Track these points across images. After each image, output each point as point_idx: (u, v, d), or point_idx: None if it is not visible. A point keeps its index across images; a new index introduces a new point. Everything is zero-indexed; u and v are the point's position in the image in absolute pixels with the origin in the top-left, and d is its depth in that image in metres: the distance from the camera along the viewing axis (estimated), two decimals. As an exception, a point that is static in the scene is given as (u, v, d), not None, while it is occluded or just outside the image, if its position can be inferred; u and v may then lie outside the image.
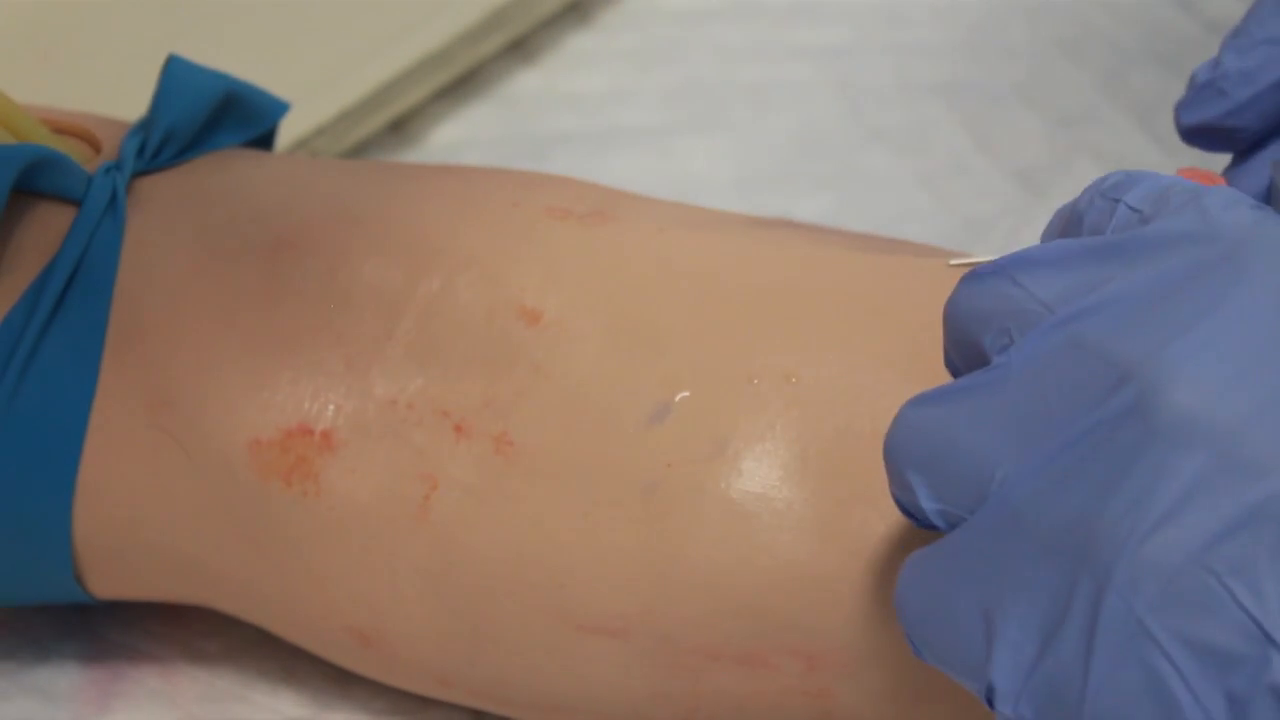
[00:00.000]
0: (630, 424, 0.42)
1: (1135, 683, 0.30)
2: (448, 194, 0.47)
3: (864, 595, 0.40)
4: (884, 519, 0.40)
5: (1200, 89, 0.43)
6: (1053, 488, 0.31)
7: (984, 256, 0.44)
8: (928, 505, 0.34)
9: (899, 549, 0.40)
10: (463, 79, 0.71)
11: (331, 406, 0.44)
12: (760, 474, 0.41)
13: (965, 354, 0.35)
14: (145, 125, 0.48)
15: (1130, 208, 0.35)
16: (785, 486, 0.41)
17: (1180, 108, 0.43)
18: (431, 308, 0.44)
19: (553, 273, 0.44)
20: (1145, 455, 0.30)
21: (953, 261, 0.44)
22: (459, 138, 0.69)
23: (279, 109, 0.52)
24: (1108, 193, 0.35)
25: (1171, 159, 0.66)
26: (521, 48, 0.73)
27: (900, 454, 0.34)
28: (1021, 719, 0.31)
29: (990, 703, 0.32)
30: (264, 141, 0.52)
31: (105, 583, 0.47)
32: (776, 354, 0.42)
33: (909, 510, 0.35)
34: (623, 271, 0.44)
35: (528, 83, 0.72)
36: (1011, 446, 0.32)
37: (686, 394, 0.42)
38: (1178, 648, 0.29)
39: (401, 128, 0.69)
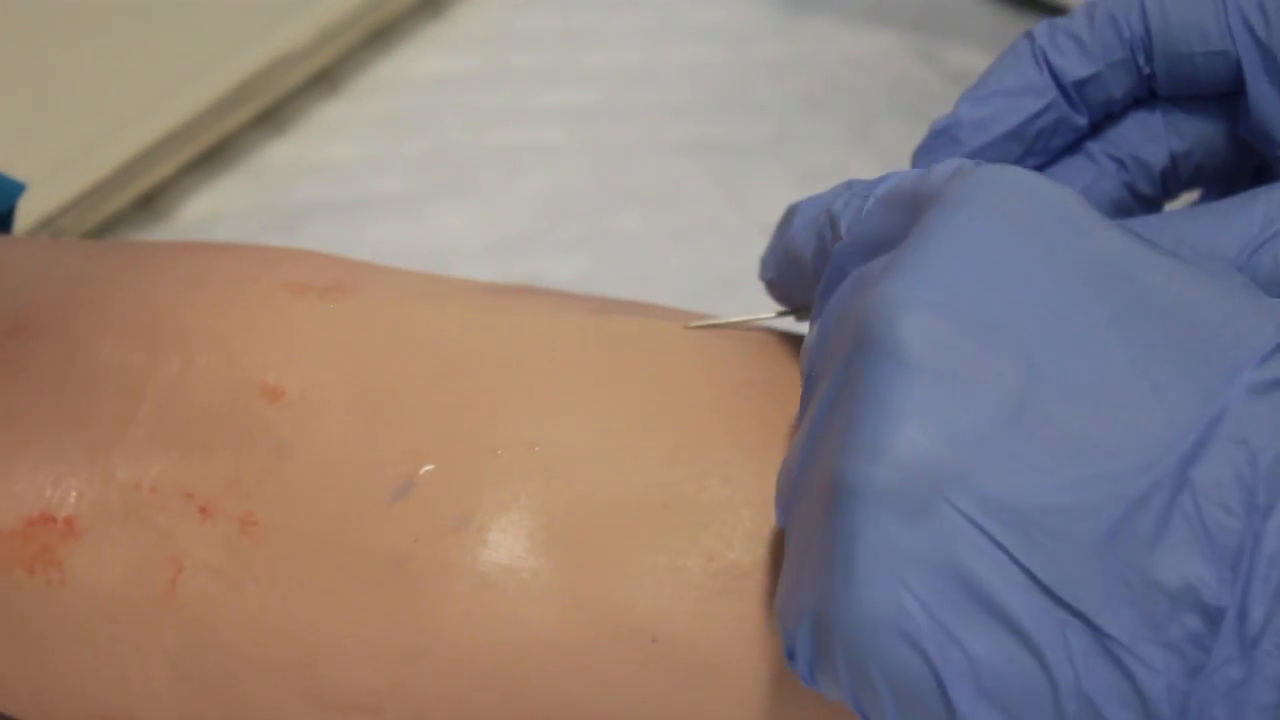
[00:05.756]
0: (376, 499, 0.42)
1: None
2: (187, 272, 0.46)
3: (613, 661, 0.40)
4: (631, 583, 0.41)
5: (936, 136, 0.44)
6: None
7: (724, 319, 0.45)
8: None
9: (648, 611, 0.40)
10: (212, 151, 0.70)
11: (74, 493, 0.43)
12: (506, 545, 0.41)
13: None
14: (-128, 212, 0.47)
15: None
16: (532, 556, 0.41)
17: (916, 154, 0.44)
18: (173, 388, 0.44)
19: (293, 350, 0.44)
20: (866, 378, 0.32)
21: (692, 324, 0.45)
22: (210, 211, 0.68)
23: (14, 190, 0.51)
24: (859, 190, 0.37)
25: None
26: (271, 118, 0.73)
27: None
28: None
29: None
30: (2, 223, 0.51)
31: None
32: (519, 423, 0.42)
33: None
34: (364, 346, 0.44)
35: (278, 153, 0.71)
36: None
37: (431, 467, 0.42)
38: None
39: (151, 202, 0.68)
